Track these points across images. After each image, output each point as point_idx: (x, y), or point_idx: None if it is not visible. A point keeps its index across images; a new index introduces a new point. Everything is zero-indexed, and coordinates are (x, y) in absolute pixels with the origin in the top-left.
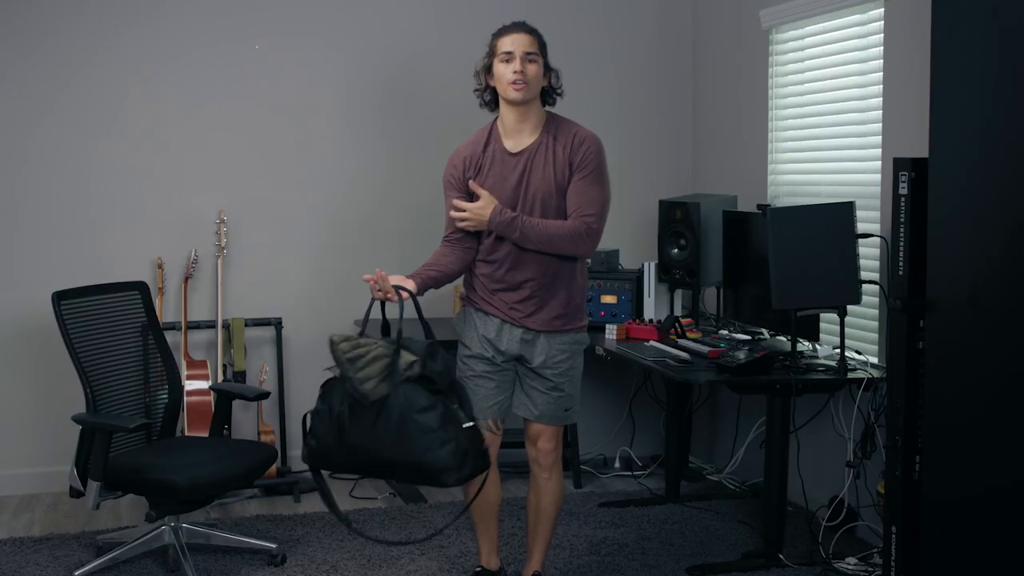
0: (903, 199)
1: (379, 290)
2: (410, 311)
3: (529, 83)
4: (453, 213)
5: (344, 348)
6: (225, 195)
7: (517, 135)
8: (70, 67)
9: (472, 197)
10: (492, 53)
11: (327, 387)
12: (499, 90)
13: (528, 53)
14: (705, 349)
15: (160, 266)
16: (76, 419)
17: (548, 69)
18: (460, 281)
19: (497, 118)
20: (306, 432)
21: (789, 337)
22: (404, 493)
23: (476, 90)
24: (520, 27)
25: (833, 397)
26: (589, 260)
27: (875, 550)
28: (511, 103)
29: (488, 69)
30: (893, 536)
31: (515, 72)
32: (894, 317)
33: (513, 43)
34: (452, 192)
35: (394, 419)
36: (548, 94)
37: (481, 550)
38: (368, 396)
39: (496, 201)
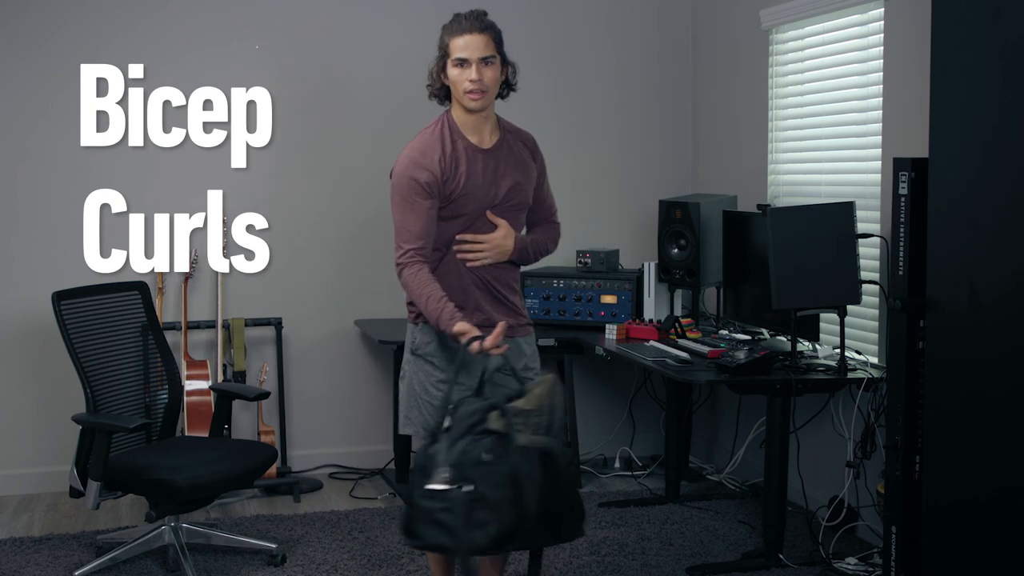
0: (903, 199)
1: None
2: None
3: (488, 90)
4: (466, 249)
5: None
6: (225, 195)
7: (480, 132)
8: (70, 67)
9: (452, 204)
10: (445, 53)
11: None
12: (455, 95)
13: (485, 58)
14: (705, 349)
15: None
16: (76, 419)
17: (505, 64)
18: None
19: (448, 111)
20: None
21: (789, 337)
22: (404, 493)
23: (428, 85)
24: (474, 24)
25: (833, 397)
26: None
27: (875, 550)
28: (471, 111)
29: (442, 69)
30: (893, 536)
31: (472, 81)
32: (894, 317)
33: (467, 47)
34: (425, 201)
35: (561, 467)
36: (503, 87)
37: None
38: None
39: (512, 229)
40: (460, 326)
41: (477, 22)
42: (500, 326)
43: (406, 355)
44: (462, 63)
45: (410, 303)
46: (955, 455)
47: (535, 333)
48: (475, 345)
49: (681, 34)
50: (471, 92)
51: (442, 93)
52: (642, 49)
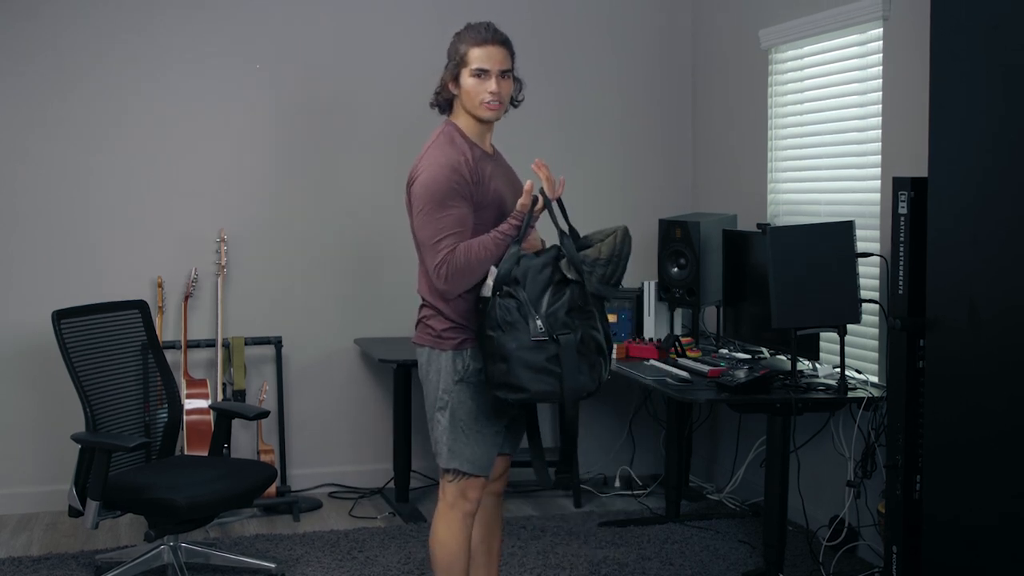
0: (903, 218)
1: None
2: None
3: (504, 103)
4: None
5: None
6: (225, 214)
7: (483, 140)
8: (67, 84)
9: (487, 208)
10: (461, 62)
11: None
12: (466, 105)
13: (503, 71)
14: (705, 368)
15: (160, 285)
16: (75, 438)
17: (514, 80)
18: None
19: (449, 122)
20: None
21: (789, 356)
22: (403, 513)
23: (437, 93)
24: (496, 36)
25: (833, 416)
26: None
27: (876, 570)
28: (481, 121)
29: (454, 77)
30: (894, 556)
31: (492, 93)
32: (894, 336)
33: (489, 59)
34: (460, 204)
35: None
36: (509, 103)
37: None
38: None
39: None
40: (517, 207)
41: (498, 34)
42: (530, 184)
43: (444, 384)
44: (481, 73)
45: (448, 328)
46: (955, 473)
47: None
48: (547, 189)
49: (681, 53)
50: (490, 104)
51: (445, 103)
52: (642, 68)
